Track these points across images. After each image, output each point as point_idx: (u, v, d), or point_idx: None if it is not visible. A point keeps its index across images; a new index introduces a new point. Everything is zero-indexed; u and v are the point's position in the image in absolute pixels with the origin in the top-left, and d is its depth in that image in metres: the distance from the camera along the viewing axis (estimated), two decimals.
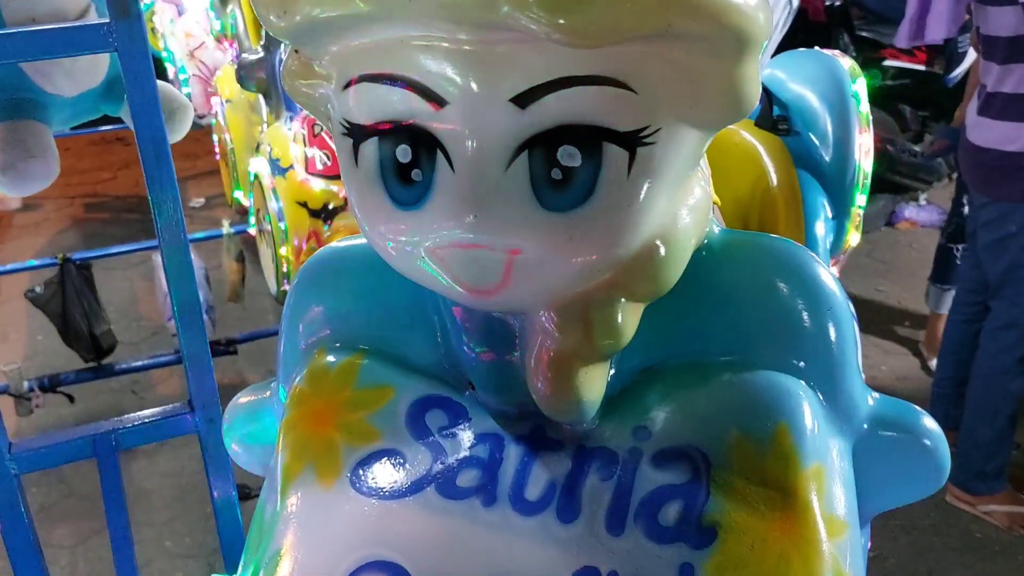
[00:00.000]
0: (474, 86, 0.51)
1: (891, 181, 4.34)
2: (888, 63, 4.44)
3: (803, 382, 0.62)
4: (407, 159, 0.54)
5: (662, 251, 0.57)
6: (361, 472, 0.63)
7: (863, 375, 0.67)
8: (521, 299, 0.58)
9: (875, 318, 3.55)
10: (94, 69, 1.45)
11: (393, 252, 0.59)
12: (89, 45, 0.93)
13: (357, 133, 0.56)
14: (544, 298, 0.58)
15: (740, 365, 0.63)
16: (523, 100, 0.50)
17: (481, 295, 0.58)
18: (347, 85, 0.55)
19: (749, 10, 0.50)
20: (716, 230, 0.65)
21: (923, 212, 4.43)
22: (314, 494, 0.63)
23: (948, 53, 3.75)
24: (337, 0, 0.51)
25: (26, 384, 2.72)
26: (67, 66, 1.40)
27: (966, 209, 3.04)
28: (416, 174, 0.54)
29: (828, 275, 0.64)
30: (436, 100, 0.52)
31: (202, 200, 5.03)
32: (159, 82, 1.37)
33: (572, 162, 0.52)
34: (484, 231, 0.53)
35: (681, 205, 0.58)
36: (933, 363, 3.06)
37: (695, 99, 0.53)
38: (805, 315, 0.63)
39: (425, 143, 0.53)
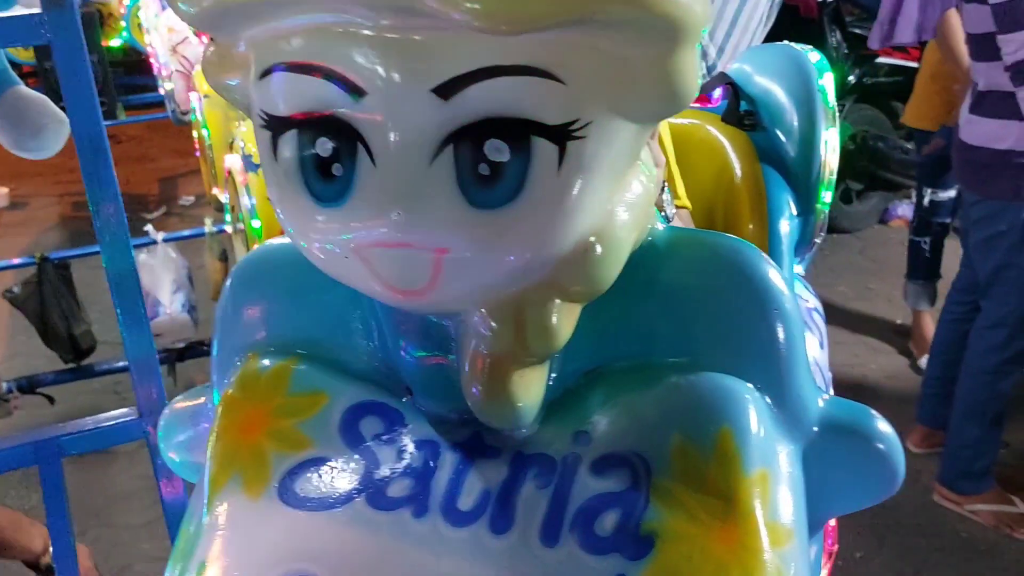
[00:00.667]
0: (394, 75, 0.48)
1: (883, 178, 4.32)
2: (881, 60, 4.42)
3: (750, 384, 0.60)
4: (327, 153, 0.51)
5: (598, 249, 0.55)
6: (289, 482, 0.61)
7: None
8: (452, 300, 0.56)
9: (865, 316, 3.52)
10: None
11: (317, 252, 0.56)
12: (20, 37, 0.90)
13: (275, 125, 0.53)
14: (475, 299, 0.56)
15: (686, 367, 0.61)
16: (445, 91, 0.48)
17: (410, 296, 0.55)
18: (264, 74, 0.53)
19: None
20: (660, 227, 0.63)
21: None
22: (240, 506, 0.61)
23: None
24: None
25: (4, 385, 2.70)
26: None
27: (926, 201, 3.08)
28: (337, 168, 0.51)
29: (777, 275, 0.62)
30: (355, 90, 0.49)
31: (191, 198, 4.99)
32: (34, 93, 1.32)
33: (500, 157, 0.49)
34: (409, 229, 0.51)
35: (618, 201, 0.56)
36: (922, 362, 3.04)
37: (627, 91, 0.50)
38: (752, 316, 0.61)
39: (346, 136, 0.51)
